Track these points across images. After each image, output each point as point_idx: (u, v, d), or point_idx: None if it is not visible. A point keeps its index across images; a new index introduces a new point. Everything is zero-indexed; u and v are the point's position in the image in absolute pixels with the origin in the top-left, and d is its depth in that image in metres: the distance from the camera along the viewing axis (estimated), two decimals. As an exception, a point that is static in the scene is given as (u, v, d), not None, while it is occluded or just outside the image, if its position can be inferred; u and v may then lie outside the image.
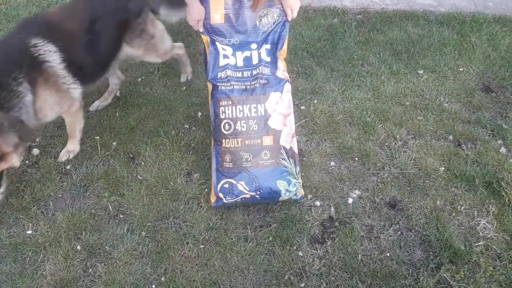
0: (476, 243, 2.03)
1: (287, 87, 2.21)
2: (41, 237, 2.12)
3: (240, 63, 2.21)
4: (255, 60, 2.20)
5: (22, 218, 2.22)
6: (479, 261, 1.93)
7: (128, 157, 2.54)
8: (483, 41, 3.41)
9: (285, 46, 2.26)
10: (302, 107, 2.86)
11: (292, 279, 1.94)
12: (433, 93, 2.96)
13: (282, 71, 2.21)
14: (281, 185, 2.11)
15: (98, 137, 2.68)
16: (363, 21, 3.75)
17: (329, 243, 2.08)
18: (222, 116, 2.16)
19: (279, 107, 2.16)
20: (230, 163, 2.13)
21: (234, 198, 2.14)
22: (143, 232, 2.14)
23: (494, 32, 3.48)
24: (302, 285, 1.91)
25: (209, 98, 2.24)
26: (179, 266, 2.00)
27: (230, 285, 1.93)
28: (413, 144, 2.59)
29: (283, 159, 2.13)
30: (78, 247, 2.08)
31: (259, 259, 2.02)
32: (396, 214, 2.20)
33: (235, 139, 2.13)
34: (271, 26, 2.21)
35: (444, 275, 1.90)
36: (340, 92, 3.00)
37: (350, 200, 2.27)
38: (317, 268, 1.98)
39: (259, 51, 2.20)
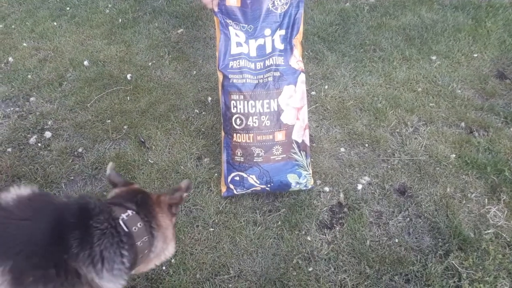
0: (485, 230, 2.02)
1: (301, 77, 2.11)
2: (54, 218, 2.16)
3: (253, 53, 2.10)
4: (268, 49, 2.09)
5: (36, 199, 2.25)
6: (488, 248, 1.93)
7: (139, 141, 2.56)
8: (498, 26, 3.33)
9: (301, 29, 2.13)
10: (313, 93, 2.85)
11: (300, 263, 1.95)
12: (445, 79, 2.92)
13: (297, 61, 2.10)
14: (291, 178, 2.12)
15: (109, 121, 2.70)
16: (375, 5, 3.69)
17: (337, 228, 2.09)
18: (233, 111, 2.09)
19: (293, 101, 2.09)
20: (241, 157, 2.11)
21: (244, 190, 2.15)
22: (153, 215, 2.16)
23: (510, 17, 3.40)
24: (310, 269, 1.93)
25: (220, 87, 2.15)
26: (189, 248, 2.03)
27: (239, 268, 1.95)
28: (424, 130, 2.56)
29: (295, 153, 2.11)
30: (90, 229, 2.11)
31: (267, 243, 2.03)
32: (405, 201, 2.19)
33: (247, 135, 2.08)
34: (285, 7, 2.07)
35: (453, 262, 1.90)
36: (351, 78, 2.97)
37: (360, 186, 2.27)
38: (325, 252, 1.99)
39: (273, 37, 2.08)
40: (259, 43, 2.09)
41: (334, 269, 1.93)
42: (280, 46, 2.08)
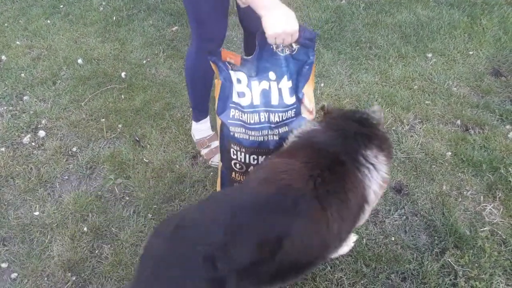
0: (481, 228, 2.03)
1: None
2: (48, 218, 2.14)
3: (257, 101, 1.75)
4: (274, 100, 1.75)
5: (29, 199, 2.24)
6: (484, 246, 1.93)
7: (134, 140, 2.54)
8: (494, 24, 3.34)
9: (311, 83, 1.79)
10: (309, 91, 2.84)
11: (297, 262, 1.94)
12: (441, 77, 2.92)
13: (307, 110, 1.82)
14: None
15: (103, 119, 2.68)
16: (371, 2, 3.68)
17: (334, 227, 2.08)
18: (233, 156, 1.86)
19: None
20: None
21: None
22: (149, 215, 2.15)
23: (506, 14, 3.40)
24: (307, 268, 1.92)
25: (218, 128, 1.89)
26: (184, 248, 2.01)
27: (235, 268, 1.94)
28: (420, 128, 2.56)
29: None
30: (85, 229, 2.09)
31: (264, 242, 2.02)
32: (401, 199, 2.19)
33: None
34: (287, 51, 1.67)
35: (449, 259, 1.90)
36: (347, 76, 2.96)
37: (356, 185, 2.26)
38: (321, 251, 1.98)
39: (279, 86, 1.73)
40: (263, 86, 1.74)
41: (331, 267, 1.92)
42: (289, 100, 1.76)
